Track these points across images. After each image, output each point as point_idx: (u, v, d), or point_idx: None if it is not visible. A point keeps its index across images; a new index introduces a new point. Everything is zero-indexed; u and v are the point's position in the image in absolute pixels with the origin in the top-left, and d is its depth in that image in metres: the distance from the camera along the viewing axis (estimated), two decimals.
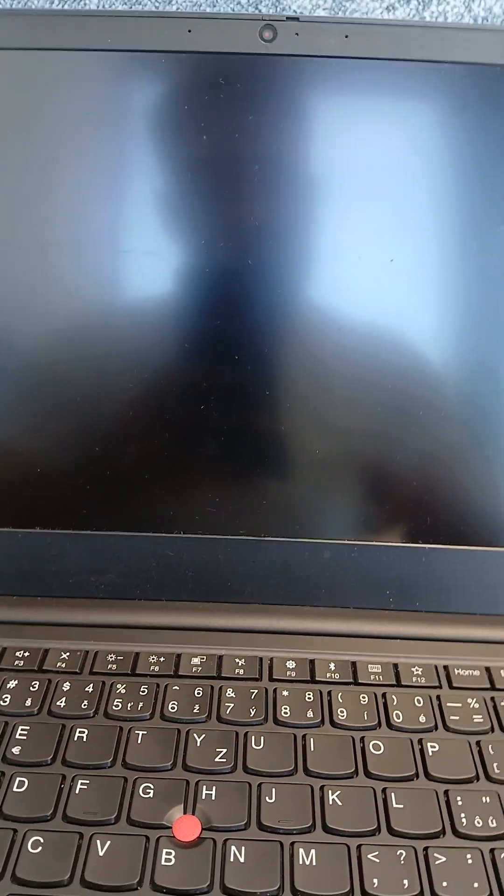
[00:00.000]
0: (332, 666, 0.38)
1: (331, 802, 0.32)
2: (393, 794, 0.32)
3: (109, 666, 0.38)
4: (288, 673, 0.38)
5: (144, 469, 0.41)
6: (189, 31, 0.35)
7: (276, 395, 0.40)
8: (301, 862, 0.30)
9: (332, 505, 0.42)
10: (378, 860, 0.30)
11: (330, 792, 0.32)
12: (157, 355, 0.39)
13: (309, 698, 0.37)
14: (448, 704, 0.37)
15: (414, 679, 0.38)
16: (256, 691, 0.37)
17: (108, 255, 0.38)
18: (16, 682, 0.37)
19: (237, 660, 0.39)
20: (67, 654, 0.39)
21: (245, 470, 0.41)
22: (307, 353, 0.39)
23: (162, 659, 0.39)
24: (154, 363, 0.39)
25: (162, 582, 0.42)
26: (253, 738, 0.34)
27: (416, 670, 0.38)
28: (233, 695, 0.37)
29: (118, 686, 0.37)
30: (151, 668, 0.38)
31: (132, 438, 0.40)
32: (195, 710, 0.36)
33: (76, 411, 0.40)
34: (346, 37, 0.35)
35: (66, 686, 0.37)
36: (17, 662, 0.38)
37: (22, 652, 0.39)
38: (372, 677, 0.38)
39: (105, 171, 0.37)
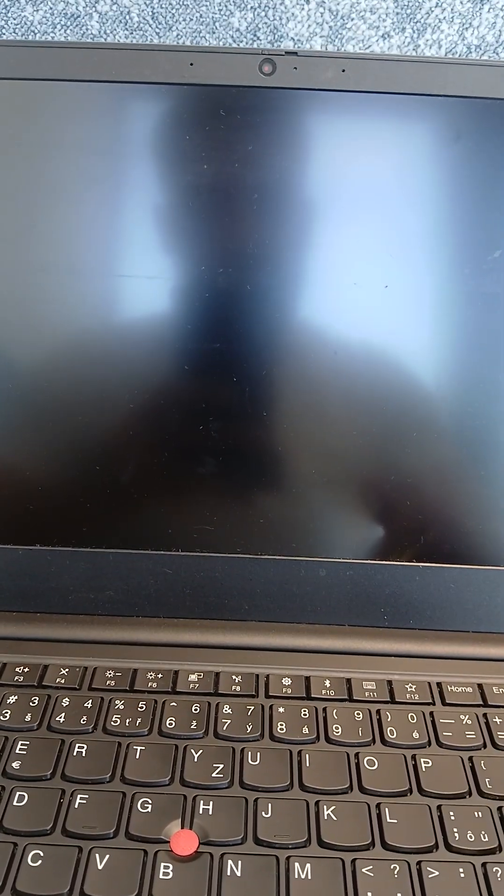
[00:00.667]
0: (327, 683, 0.39)
1: (326, 817, 0.32)
2: (387, 809, 0.33)
3: (108, 682, 0.39)
4: (284, 689, 0.39)
5: (143, 488, 0.41)
6: (191, 63, 0.36)
7: (272, 416, 0.41)
8: (297, 876, 0.30)
9: (328, 524, 0.42)
10: (372, 874, 0.30)
11: (325, 807, 0.33)
12: (158, 376, 0.40)
13: (304, 714, 0.37)
14: (441, 721, 0.37)
15: (408, 696, 0.38)
16: (253, 708, 0.37)
17: (111, 280, 0.39)
18: (16, 697, 0.37)
19: (234, 676, 0.39)
20: (67, 669, 0.39)
21: (242, 489, 0.41)
22: (303, 375, 0.40)
23: (160, 675, 0.39)
24: (154, 384, 0.40)
25: (160, 599, 0.42)
26: (249, 753, 0.35)
27: (410, 687, 0.39)
28: (230, 711, 0.37)
29: (117, 702, 0.37)
30: (149, 684, 0.39)
31: (132, 457, 0.41)
32: (192, 726, 0.36)
33: (77, 430, 0.41)
34: (343, 70, 0.36)
35: (66, 702, 0.37)
36: (17, 678, 0.39)
37: (22, 668, 0.39)
38: (366, 694, 0.38)
39: (108, 199, 0.38)
